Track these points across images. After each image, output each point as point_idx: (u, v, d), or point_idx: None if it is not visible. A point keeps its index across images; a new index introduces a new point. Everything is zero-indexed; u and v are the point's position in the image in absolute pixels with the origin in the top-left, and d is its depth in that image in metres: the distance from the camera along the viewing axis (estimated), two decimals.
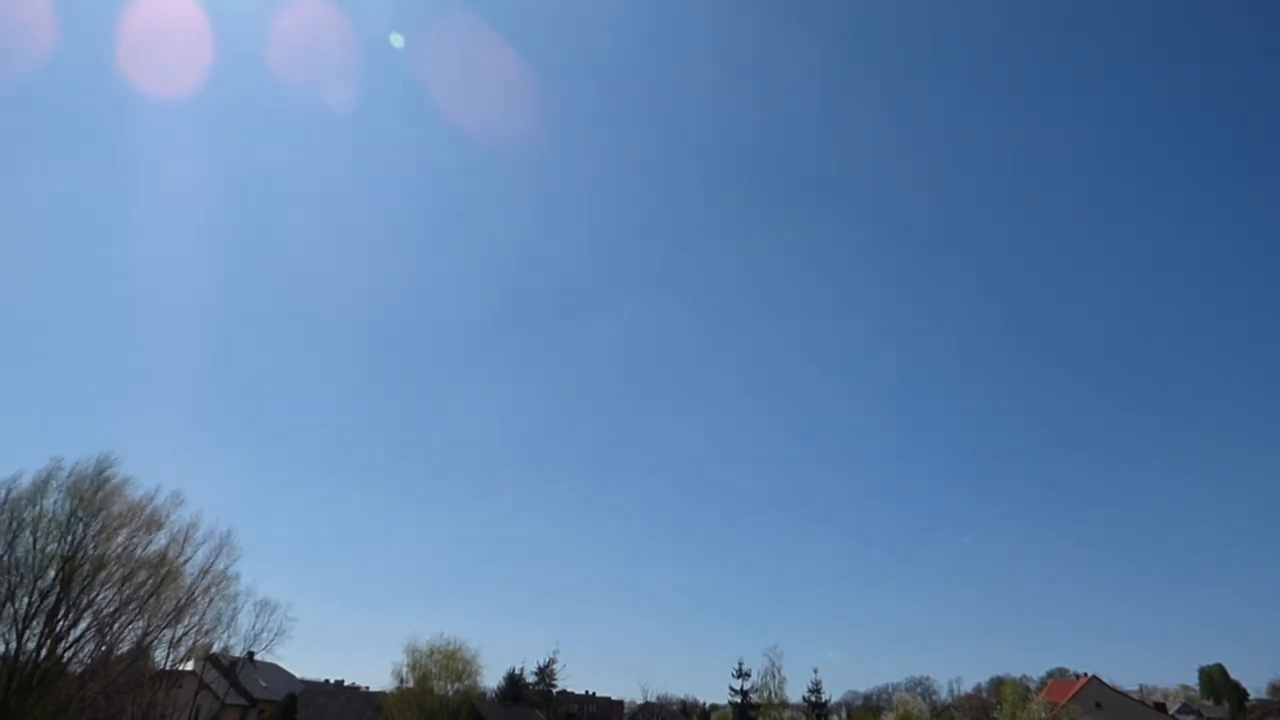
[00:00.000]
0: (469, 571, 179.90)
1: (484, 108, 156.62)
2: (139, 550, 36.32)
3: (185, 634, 41.29)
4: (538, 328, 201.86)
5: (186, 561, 39.37)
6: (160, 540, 37.68)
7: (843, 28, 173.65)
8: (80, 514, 33.52)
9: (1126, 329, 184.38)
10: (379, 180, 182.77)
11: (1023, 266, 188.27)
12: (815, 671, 68.38)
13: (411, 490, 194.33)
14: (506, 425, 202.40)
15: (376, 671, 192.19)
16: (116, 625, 36.38)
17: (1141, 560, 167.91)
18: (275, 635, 45.06)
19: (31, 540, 32.59)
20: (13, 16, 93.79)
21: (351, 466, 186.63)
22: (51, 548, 32.77)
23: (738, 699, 61.90)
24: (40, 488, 33.38)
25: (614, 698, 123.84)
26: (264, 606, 44.99)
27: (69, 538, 33.10)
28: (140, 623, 37.79)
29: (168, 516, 37.68)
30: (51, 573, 32.58)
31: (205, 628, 42.08)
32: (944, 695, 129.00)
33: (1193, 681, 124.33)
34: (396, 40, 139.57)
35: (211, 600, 41.21)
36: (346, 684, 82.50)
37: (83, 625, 34.46)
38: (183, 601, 39.33)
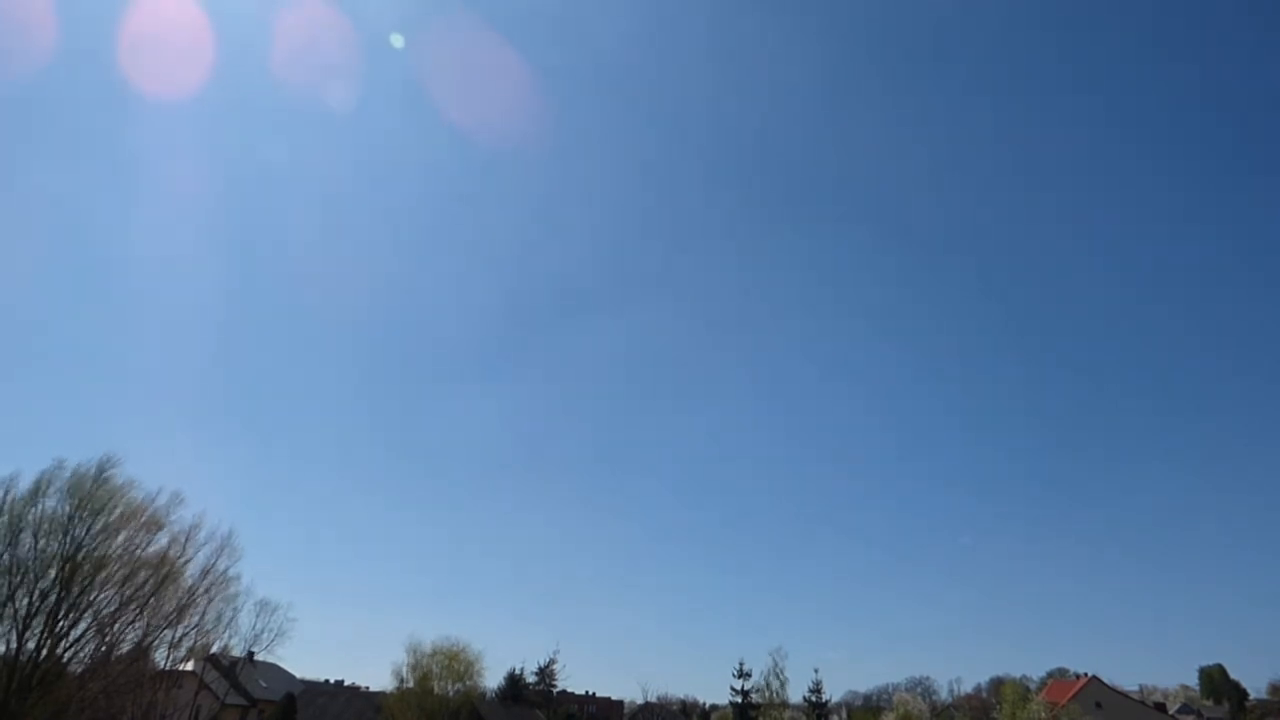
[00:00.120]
0: (469, 571, 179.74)
1: (484, 108, 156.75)
2: (139, 550, 36.42)
3: (185, 634, 41.38)
4: (537, 327, 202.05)
5: (187, 562, 39.48)
6: (161, 541, 37.83)
7: (843, 28, 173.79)
8: (81, 514, 33.57)
9: (1126, 329, 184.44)
10: (379, 180, 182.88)
11: (1023, 266, 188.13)
12: (816, 671, 68.29)
13: (411, 490, 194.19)
14: (506, 425, 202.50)
15: (376, 671, 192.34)
16: (117, 625, 36.44)
17: (1141, 560, 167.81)
18: (275, 635, 45.17)
19: (32, 540, 32.65)
20: (13, 16, 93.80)
21: (351, 466, 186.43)
22: (52, 548, 32.81)
23: (738, 699, 61.91)
24: (41, 488, 33.44)
25: (614, 698, 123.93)
26: (264, 607, 45.10)
27: (69, 538, 33.14)
28: (140, 623, 37.89)
29: (168, 517, 37.82)
30: (52, 573, 32.61)
31: (205, 628, 42.17)
32: (944, 695, 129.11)
33: (1193, 681, 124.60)
34: (397, 40, 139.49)
35: (211, 600, 41.29)
36: (346, 684, 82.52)
37: (83, 625, 34.57)
38: (183, 602, 39.37)
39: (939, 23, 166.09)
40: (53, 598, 32.45)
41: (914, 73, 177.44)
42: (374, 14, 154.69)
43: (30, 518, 32.80)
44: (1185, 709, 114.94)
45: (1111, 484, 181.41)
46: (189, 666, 48.39)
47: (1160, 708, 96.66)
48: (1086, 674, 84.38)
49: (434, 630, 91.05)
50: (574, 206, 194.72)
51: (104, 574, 34.04)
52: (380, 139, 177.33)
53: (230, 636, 44.83)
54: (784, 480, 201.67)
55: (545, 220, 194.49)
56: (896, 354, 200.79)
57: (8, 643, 31.98)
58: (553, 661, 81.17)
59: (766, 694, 54.24)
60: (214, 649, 47.68)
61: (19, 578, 32.06)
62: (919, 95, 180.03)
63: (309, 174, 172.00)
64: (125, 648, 38.78)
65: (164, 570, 37.00)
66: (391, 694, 53.41)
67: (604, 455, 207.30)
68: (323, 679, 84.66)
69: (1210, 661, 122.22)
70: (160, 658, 42.40)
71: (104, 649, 37.34)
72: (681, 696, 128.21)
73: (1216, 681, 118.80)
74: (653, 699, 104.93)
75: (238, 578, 42.47)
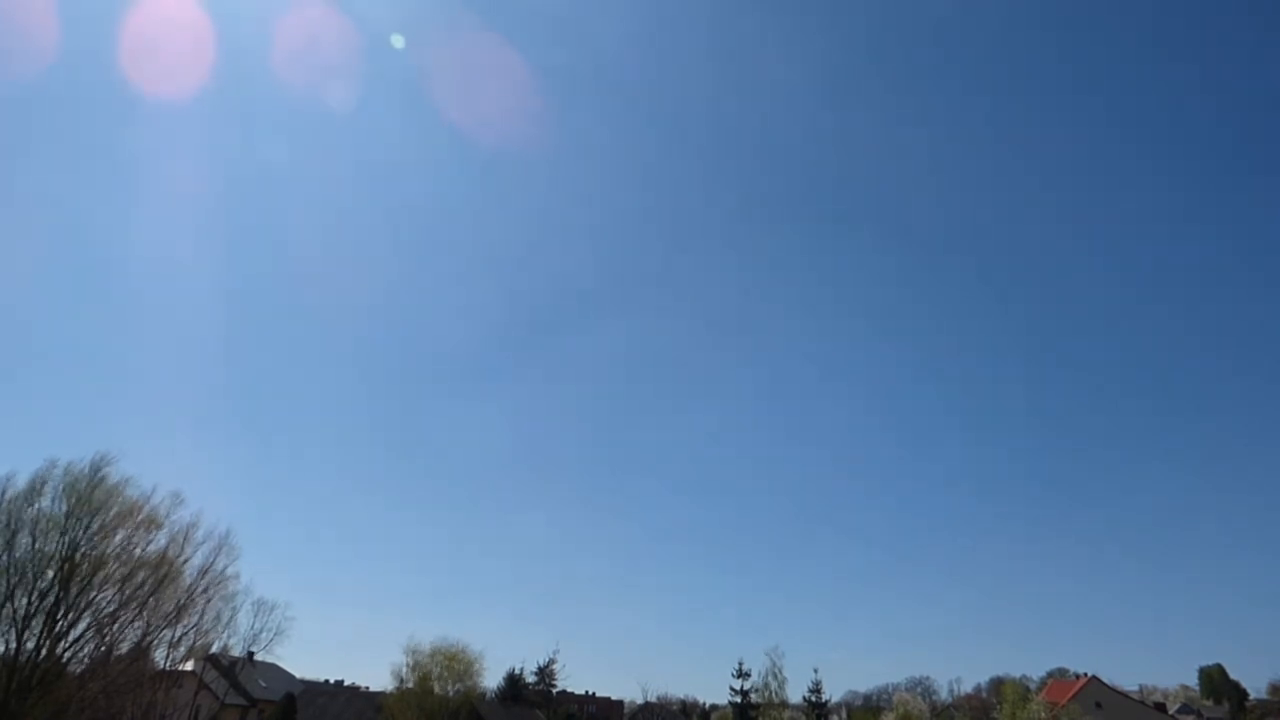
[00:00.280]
0: (469, 571, 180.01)
1: (484, 108, 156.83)
2: (138, 550, 36.41)
3: (185, 634, 41.41)
4: (537, 326, 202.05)
5: (186, 562, 39.44)
6: (159, 540, 37.79)
7: (843, 27, 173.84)
8: (77, 514, 33.52)
9: (1126, 329, 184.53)
10: (379, 181, 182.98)
11: (1023, 266, 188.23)
12: (815, 671, 68.21)
13: (411, 490, 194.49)
14: (506, 425, 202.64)
15: (376, 671, 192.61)
16: (116, 625, 36.44)
17: (1141, 560, 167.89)
18: (274, 635, 45.24)
19: (30, 540, 32.63)
20: (15, 17, 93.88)
21: (351, 466, 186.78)
22: (50, 548, 32.79)
23: (738, 699, 61.86)
24: (36, 487, 33.41)
25: (614, 698, 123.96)
26: (262, 606, 45.12)
27: (66, 538, 33.11)
28: (140, 623, 37.90)
29: (166, 516, 37.78)
30: (50, 573, 32.60)
31: (204, 628, 42.19)
32: (944, 695, 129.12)
33: (1193, 681, 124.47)
34: (397, 41, 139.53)
35: (210, 600, 41.29)
36: (346, 684, 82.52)
37: (82, 625, 34.55)
38: (182, 601, 39.36)
39: (939, 23, 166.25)
40: (51, 597, 32.45)
41: (914, 73, 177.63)
42: (374, 14, 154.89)
43: (27, 517, 32.80)
44: (1185, 709, 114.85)
45: (1111, 484, 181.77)
46: (188, 666, 48.41)
47: (1160, 708, 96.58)
48: (1086, 674, 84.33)
49: (434, 630, 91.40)
50: (574, 206, 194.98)
51: (102, 574, 34.02)
52: (380, 139, 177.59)
53: (229, 636, 44.94)
54: (784, 480, 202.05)
55: (545, 220, 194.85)
56: (896, 354, 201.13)
57: (7, 643, 32.02)
58: (553, 661, 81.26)
59: (766, 694, 54.19)
60: (213, 649, 47.71)
61: (17, 577, 32.08)
62: (919, 95, 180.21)
63: (309, 174, 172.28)
64: (125, 648, 38.80)
65: (162, 570, 36.97)
66: (391, 694, 53.42)
67: (604, 455, 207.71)
68: (322, 679, 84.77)
69: (1210, 661, 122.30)
70: (159, 657, 42.46)
71: (103, 649, 37.35)
72: (681, 696, 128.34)
73: (1216, 681, 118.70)
74: (653, 699, 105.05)
75: (236, 577, 42.54)
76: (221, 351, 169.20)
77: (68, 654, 34.52)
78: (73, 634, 34.16)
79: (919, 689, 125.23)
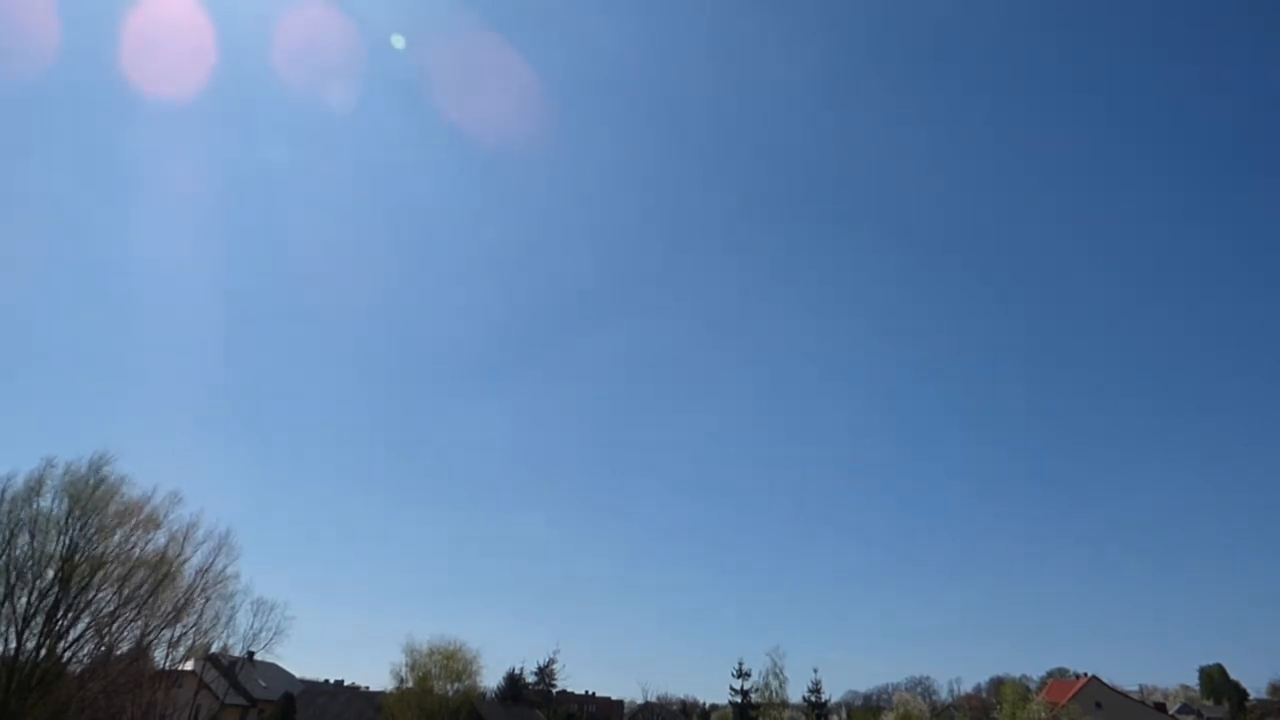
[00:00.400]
0: (468, 571, 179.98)
1: (484, 108, 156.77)
2: (137, 550, 36.36)
3: (184, 634, 41.37)
4: (537, 326, 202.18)
5: (185, 561, 39.41)
6: (159, 540, 37.75)
7: (843, 28, 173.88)
8: (77, 513, 33.50)
9: (1126, 329, 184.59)
10: (379, 181, 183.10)
11: (1023, 266, 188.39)
12: (815, 671, 68.22)
13: (411, 490, 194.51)
14: (506, 424, 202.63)
15: (376, 671, 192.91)
16: (115, 625, 36.40)
17: (1141, 560, 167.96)
18: (274, 634, 45.18)
19: (29, 540, 32.61)
20: (16, 18, 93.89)
21: (351, 466, 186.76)
22: (49, 547, 32.78)
23: (738, 699, 61.86)
24: (35, 487, 33.37)
25: (614, 698, 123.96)
26: (261, 605, 45.09)
27: (66, 537, 33.10)
28: (139, 622, 37.83)
29: (166, 516, 37.74)
30: (50, 572, 32.59)
31: (204, 627, 42.14)
32: (944, 695, 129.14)
33: (1193, 681, 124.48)
34: (398, 41, 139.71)
35: (210, 600, 41.26)
36: (346, 684, 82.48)
37: (82, 625, 34.52)
38: (181, 601, 39.33)
39: (939, 23, 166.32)
40: (51, 597, 32.43)
41: (914, 73, 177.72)
42: (375, 15, 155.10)
43: (26, 517, 32.78)
44: (1185, 709, 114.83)
45: (1111, 484, 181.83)
46: (188, 666, 48.38)
47: (1160, 708, 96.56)
48: (1086, 674, 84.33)
49: (434, 630, 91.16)
50: (574, 206, 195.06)
51: (101, 573, 33.98)
52: (380, 139, 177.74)
53: (229, 636, 44.87)
54: (784, 480, 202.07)
55: (545, 220, 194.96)
56: (896, 354, 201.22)
57: (6, 642, 31.98)
58: (552, 661, 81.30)
59: (766, 694, 54.18)
60: (213, 649, 47.66)
61: (17, 577, 32.07)
62: (919, 95, 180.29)
63: (309, 174, 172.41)
64: (124, 647, 38.75)
65: (162, 569, 36.95)
66: (391, 694, 53.40)
67: (604, 455, 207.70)
68: (322, 679, 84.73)
69: (1210, 661, 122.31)
70: (159, 657, 42.42)
71: (103, 649, 37.31)
72: (681, 696, 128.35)
73: (1216, 681, 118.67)
74: (653, 699, 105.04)
75: (236, 577, 42.48)
76: (221, 351, 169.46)
77: (67, 654, 34.51)
78: (72, 634, 34.17)
79: (919, 689, 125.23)
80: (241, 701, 59.35)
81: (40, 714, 31.81)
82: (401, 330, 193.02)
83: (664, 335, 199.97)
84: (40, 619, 32.27)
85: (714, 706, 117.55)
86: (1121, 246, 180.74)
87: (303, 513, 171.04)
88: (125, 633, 37.74)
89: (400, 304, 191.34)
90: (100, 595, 34.69)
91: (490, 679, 74.29)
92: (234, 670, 58.65)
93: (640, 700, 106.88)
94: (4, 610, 31.75)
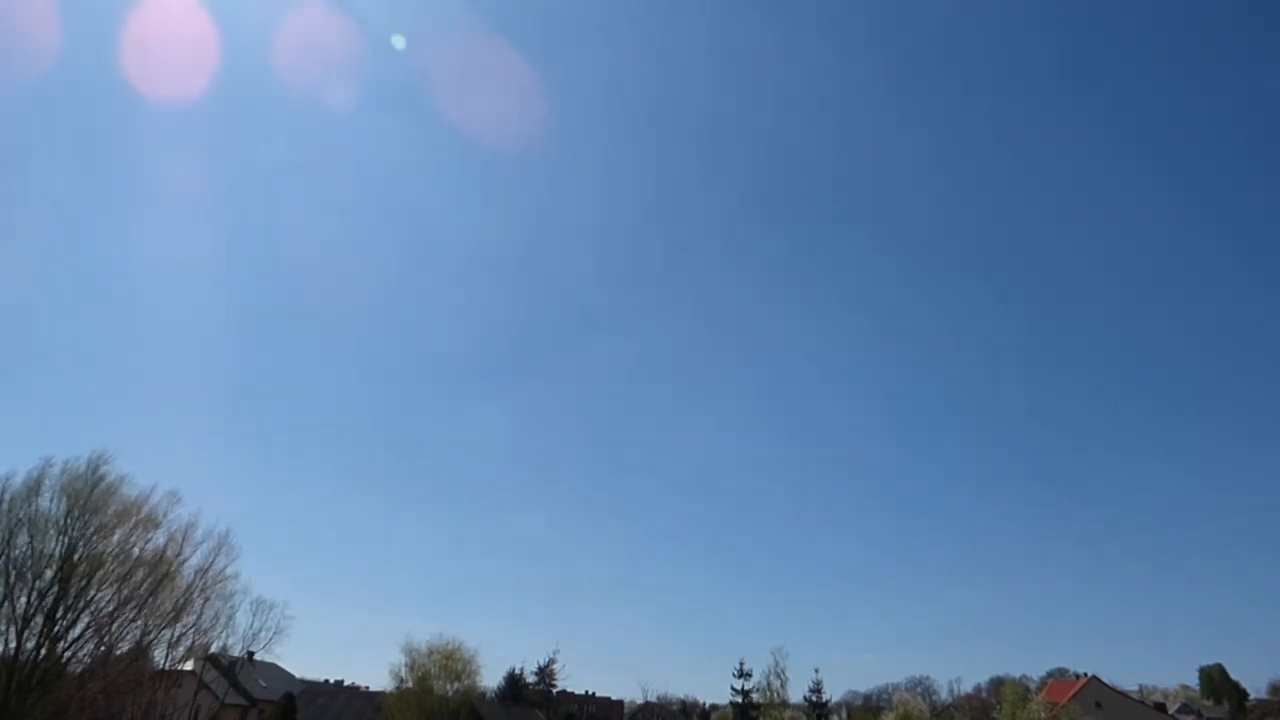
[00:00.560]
0: (468, 571, 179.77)
1: (484, 109, 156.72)
2: (136, 549, 36.35)
3: (184, 634, 41.38)
4: (537, 327, 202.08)
5: (184, 561, 39.41)
6: (158, 539, 37.75)
7: (843, 28, 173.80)
8: (76, 513, 33.46)
9: (1126, 329, 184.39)
10: (379, 181, 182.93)
11: (1023, 266, 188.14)
12: (816, 671, 68.19)
13: (411, 490, 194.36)
14: (506, 425, 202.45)
15: (376, 671, 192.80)
16: (115, 625, 36.37)
17: (1141, 560, 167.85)
18: (273, 634, 45.25)
19: (29, 539, 32.57)
20: (16, 18, 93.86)
21: (351, 466, 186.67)
22: (49, 547, 32.75)
23: (739, 699, 61.88)
24: (34, 486, 33.34)
25: (614, 698, 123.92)
26: (261, 606, 45.09)
27: (65, 537, 33.06)
28: (139, 622, 37.80)
29: (165, 515, 37.72)
30: (49, 572, 32.55)
31: (204, 627, 42.15)
32: (944, 695, 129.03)
33: (1193, 681, 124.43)
34: (398, 42, 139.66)
35: (209, 600, 41.27)
36: (346, 684, 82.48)
37: (81, 625, 34.51)
38: (181, 601, 39.32)
39: (939, 22, 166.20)
40: (50, 597, 32.41)
41: (914, 73, 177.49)
42: (375, 16, 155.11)
43: (25, 516, 32.74)
44: (1185, 709, 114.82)
45: (1111, 484, 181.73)
46: (188, 666, 48.35)
47: (1160, 708, 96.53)
48: (1086, 674, 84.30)
49: (433, 630, 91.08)
50: (574, 206, 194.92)
51: (101, 573, 33.95)
52: (380, 140, 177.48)
53: (228, 636, 44.89)
54: (784, 480, 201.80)
55: (545, 220, 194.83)
56: (896, 354, 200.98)
57: (6, 642, 31.97)
58: (552, 661, 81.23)
59: (767, 694, 54.18)
60: (213, 648, 47.64)
61: (16, 577, 32.04)
62: (919, 95, 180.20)
63: (310, 175, 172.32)
64: (124, 647, 38.73)
65: (161, 569, 36.92)
66: (391, 694, 53.36)
67: (604, 455, 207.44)
68: (322, 679, 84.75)
69: (1210, 661, 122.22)
70: (159, 657, 42.39)
71: (103, 648, 37.28)
72: (681, 696, 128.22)
73: (1216, 681, 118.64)
74: (653, 699, 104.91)
75: (236, 576, 42.52)
76: (221, 351, 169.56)
77: (67, 654, 34.48)
78: (72, 634, 34.16)
79: (919, 689, 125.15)
80: (241, 701, 59.30)
81: (40, 714, 31.77)
82: (401, 330, 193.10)
83: (664, 335, 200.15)
84: (40, 619, 32.24)
85: (714, 706, 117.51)
86: (1121, 246, 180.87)
87: (303, 513, 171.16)
88: (125, 633, 37.77)
89: (400, 304, 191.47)
90: (100, 595, 34.68)
91: (490, 679, 74.42)
92: (234, 670, 58.62)
93: (640, 700, 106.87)
94: (4, 610, 31.74)
